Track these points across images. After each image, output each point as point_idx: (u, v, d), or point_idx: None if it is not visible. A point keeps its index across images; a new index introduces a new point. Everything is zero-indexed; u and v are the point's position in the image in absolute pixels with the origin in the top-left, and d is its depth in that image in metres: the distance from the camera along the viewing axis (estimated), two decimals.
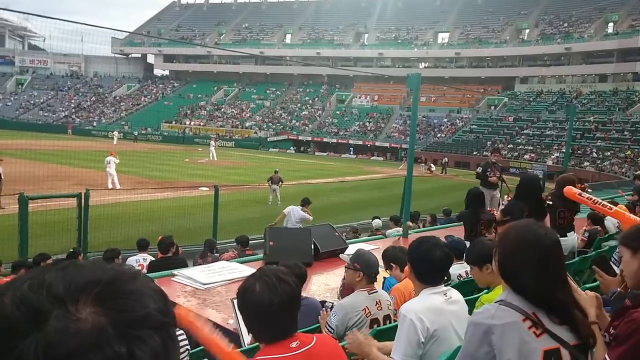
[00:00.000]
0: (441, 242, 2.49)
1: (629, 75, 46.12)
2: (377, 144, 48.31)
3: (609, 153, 35.14)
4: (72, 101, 63.94)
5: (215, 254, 7.47)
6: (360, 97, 57.70)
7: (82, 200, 8.75)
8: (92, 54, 69.95)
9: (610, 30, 48.70)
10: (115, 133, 46.06)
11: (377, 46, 60.00)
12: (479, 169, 9.44)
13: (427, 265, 2.33)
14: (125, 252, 7.29)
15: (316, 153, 48.84)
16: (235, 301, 3.07)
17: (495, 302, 1.67)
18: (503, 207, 7.23)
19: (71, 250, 7.18)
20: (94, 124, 57.28)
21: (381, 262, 4.10)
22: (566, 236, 5.90)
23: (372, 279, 3.13)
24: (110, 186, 18.27)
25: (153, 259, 6.80)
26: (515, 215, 5.50)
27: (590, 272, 4.80)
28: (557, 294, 1.61)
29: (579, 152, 36.27)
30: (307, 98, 60.10)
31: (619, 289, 2.29)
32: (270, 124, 54.91)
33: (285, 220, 10.85)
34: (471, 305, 2.74)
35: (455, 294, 2.38)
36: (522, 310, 1.59)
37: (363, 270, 3.10)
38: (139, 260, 6.76)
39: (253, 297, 1.65)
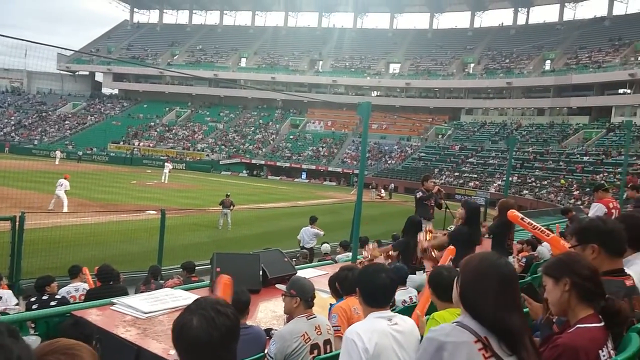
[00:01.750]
0: (386, 267, 2.59)
1: (564, 109, 49.25)
2: (330, 169, 48.79)
3: (546, 182, 37.09)
4: (12, 118, 60.92)
5: (160, 281, 7.22)
6: (314, 123, 58.34)
7: (17, 224, 8.28)
8: (37, 69, 67.22)
9: (547, 67, 52.03)
10: (58, 153, 44.11)
11: (331, 73, 61.22)
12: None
13: (372, 288, 2.42)
14: (61, 279, 6.90)
15: (269, 177, 48.70)
16: None
17: (453, 323, 1.74)
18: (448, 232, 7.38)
19: None
20: (35, 142, 54.69)
21: (328, 288, 4.11)
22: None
23: (309, 303, 3.16)
24: (51, 207, 17.43)
25: (87, 286, 6.45)
26: (460, 242, 5.66)
27: None
28: (513, 321, 1.67)
29: (519, 180, 38.07)
30: (261, 122, 60.14)
31: (543, 316, 2.40)
32: (223, 147, 54.38)
33: (301, 241, 11.80)
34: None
35: (404, 321, 2.41)
36: (475, 332, 1.65)
37: (299, 296, 3.14)
38: (71, 292, 6.35)
39: (190, 333, 1.53)
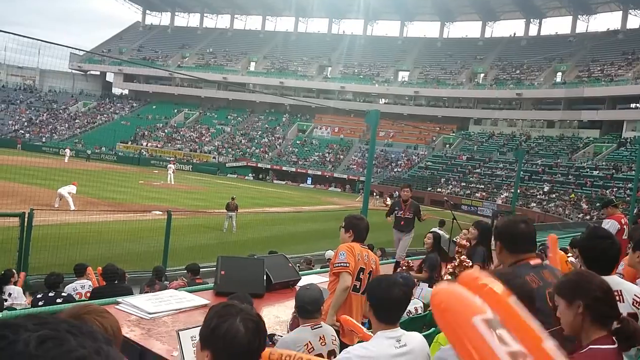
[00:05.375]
0: (399, 280, 2.52)
1: (574, 122, 48.95)
2: (335, 175, 48.78)
3: (554, 195, 36.85)
4: (24, 115, 61.54)
5: (164, 282, 7.26)
6: (321, 128, 58.44)
7: (26, 220, 8.36)
8: (49, 68, 67.94)
9: (558, 79, 51.76)
10: (67, 150, 44.48)
11: (340, 80, 61.32)
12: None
13: (385, 304, 2.35)
14: (68, 276, 6.97)
15: (274, 181, 48.78)
16: (181, 333, 3.00)
17: None
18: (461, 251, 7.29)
19: (2, 273, 6.79)
20: (44, 139, 55.17)
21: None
22: None
23: (303, 314, 3.12)
24: (56, 205, 17.57)
25: (91, 284, 6.52)
26: (476, 262, 5.61)
27: None
28: None
29: (526, 192, 37.87)
30: (268, 126, 60.31)
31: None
32: (229, 150, 54.57)
33: None
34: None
35: (412, 341, 2.38)
36: None
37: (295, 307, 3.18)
38: (77, 289, 6.44)
39: (238, 340, 1.54)
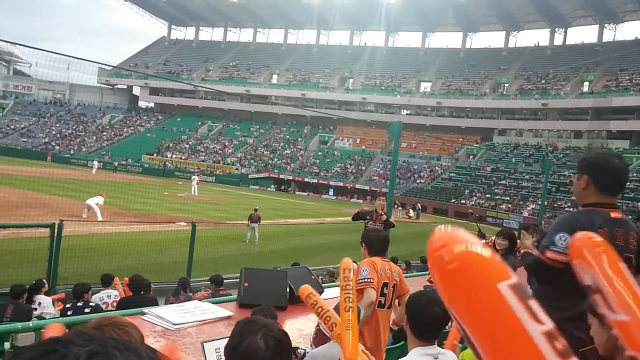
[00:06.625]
0: (439, 297, 2.45)
1: (602, 133, 47.84)
2: (357, 186, 48.63)
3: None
4: (54, 128, 63.36)
5: (189, 293, 7.34)
6: (342, 140, 58.49)
7: (55, 231, 8.57)
8: (78, 82, 69.85)
9: (585, 89, 50.79)
10: (95, 162, 45.50)
11: (362, 91, 61.40)
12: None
13: (423, 321, 2.30)
14: (96, 286, 7.11)
15: (296, 192, 48.91)
16: (205, 344, 3.02)
17: None
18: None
19: (33, 282, 6.96)
20: (72, 151, 56.62)
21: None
22: None
23: None
24: (84, 216, 17.95)
25: (117, 294, 6.64)
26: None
27: None
28: None
29: (554, 204, 37.06)
30: (289, 137, 60.68)
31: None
32: (252, 161, 55.03)
33: None
34: None
35: (447, 357, 2.33)
36: None
37: None
38: (103, 298, 6.57)
39: (258, 358, 1.52)
